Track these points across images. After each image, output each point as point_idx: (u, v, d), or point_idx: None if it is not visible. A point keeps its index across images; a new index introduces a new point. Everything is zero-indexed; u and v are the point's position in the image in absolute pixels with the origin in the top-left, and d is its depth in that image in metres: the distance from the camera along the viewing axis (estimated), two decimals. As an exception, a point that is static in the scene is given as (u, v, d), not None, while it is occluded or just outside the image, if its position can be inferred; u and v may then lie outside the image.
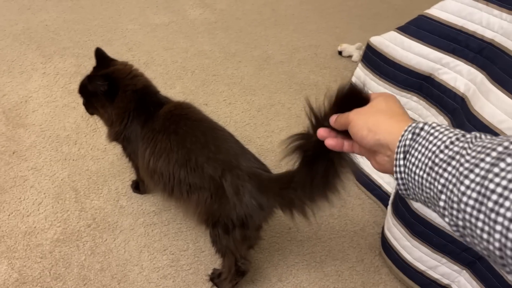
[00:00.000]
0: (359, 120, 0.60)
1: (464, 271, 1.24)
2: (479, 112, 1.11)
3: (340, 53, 2.38)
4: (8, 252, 1.27)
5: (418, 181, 0.51)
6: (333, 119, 0.67)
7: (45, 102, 1.77)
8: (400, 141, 0.53)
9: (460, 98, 1.24)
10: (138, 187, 1.48)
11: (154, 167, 1.18)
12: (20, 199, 1.41)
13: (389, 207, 1.44)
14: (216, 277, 1.28)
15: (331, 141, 0.68)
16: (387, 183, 1.58)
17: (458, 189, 0.44)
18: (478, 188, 0.42)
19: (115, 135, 1.28)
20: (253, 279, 1.32)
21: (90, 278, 1.25)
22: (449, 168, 0.46)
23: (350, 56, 2.37)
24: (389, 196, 1.54)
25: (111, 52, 2.06)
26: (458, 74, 1.26)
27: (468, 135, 0.48)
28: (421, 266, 1.30)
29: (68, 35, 2.16)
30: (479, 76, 1.18)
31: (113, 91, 1.20)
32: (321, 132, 0.70)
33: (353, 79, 1.61)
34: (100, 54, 1.27)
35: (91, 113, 1.31)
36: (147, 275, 1.28)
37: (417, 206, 1.27)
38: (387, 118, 0.58)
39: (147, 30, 2.31)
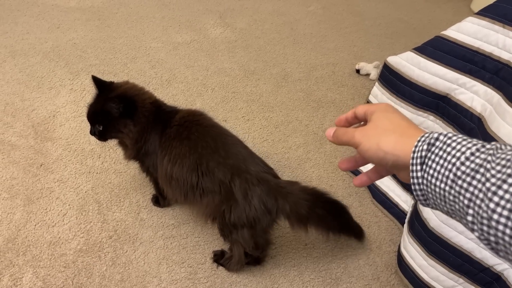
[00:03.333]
0: (369, 142, 0.58)
1: (482, 292, 1.23)
2: (496, 132, 1.12)
3: (357, 71, 2.41)
4: (33, 261, 1.32)
5: (439, 193, 0.50)
6: (330, 133, 0.64)
7: (72, 117, 1.84)
8: (414, 152, 0.52)
9: (476, 118, 1.25)
10: (158, 201, 1.53)
11: (170, 172, 1.24)
12: (46, 210, 1.47)
13: (406, 225, 1.45)
14: (222, 259, 1.37)
15: (344, 165, 0.66)
16: (404, 201, 1.58)
17: (487, 206, 0.44)
18: (509, 205, 0.42)
19: (136, 152, 1.32)
20: (269, 294, 1.34)
21: (111, 288, 1.29)
22: (474, 182, 0.46)
23: (367, 75, 2.39)
24: (406, 214, 1.54)
25: (135, 69, 2.16)
26: (474, 94, 1.27)
27: (488, 145, 0.47)
28: (437, 286, 1.30)
29: (94, 53, 2.25)
30: (496, 97, 1.20)
31: (129, 110, 1.24)
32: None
33: (370, 98, 1.63)
34: (97, 81, 1.27)
35: (105, 140, 1.31)
36: (165, 287, 1.31)
37: (434, 225, 1.27)
38: (399, 137, 0.56)
39: (170, 48, 2.39)
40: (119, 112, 1.22)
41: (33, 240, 1.38)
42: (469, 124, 1.28)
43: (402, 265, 1.40)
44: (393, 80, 1.50)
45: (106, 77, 2.07)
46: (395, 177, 1.60)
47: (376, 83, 1.60)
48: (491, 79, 1.23)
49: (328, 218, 1.24)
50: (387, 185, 1.65)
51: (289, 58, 2.47)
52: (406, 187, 1.55)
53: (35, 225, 1.42)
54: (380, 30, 2.89)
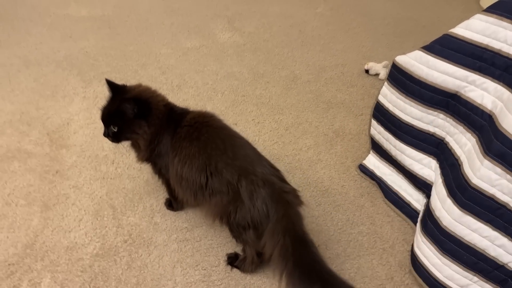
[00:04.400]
0: None
1: (497, 290, 1.22)
2: (507, 129, 1.11)
3: (367, 71, 2.41)
4: (51, 266, 1.35)
5: None
6: None
7: (85, 124, 1.88)
8: None
9: (487, 115, 1.25)
10: (171, 204, 1.55)
11: (181, 172, 1.27)
12: (62, 216, 1.50)
13: (418, 224, 1.44)
14: (236, 261, 1.39)
15: None
16: (416, 200, 1.58)
17: None
18: None
19: (149, 153, 1.35)
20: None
21: (127, 291, 1.31)
22: None
23: (377, 74, 2.39)
24: (418, 214, 1.54)
25: (146, 75, 2.19)
26: (485, 92, 1.27)
27: None
28: (452, 285, 1.29)
29: (106, 61, 2.29)
30: (506, 94, 1.19)
31: (144, 112, 1.27)
32: None
33: (380, 98, 1.63)
34: (111, 84, 1.30)
35: (119, 141, 1.34)
36: (180, 290, 1.33)
37: (446, 224, 1.27)
38: None
39: (179, 54, 2.41)
40: (133, 113, 1.25)
41: (51, 246, 1.41)
42: (480, 121, 1.27)
43: (416, 264, 1.40)
44: (402, 80, 1.50)
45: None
46: (407, 176, 1.60)
47: (385, 83, 1.60)
48: (501, 75, 1.23)
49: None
50: (399, 184, 1.65)
51: (297, 60, 2.48)
52: (418, 186, 1.54)
53: (52, 230, 1.45)
54: (389, 29, 2.88)
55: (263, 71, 2.35)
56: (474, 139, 1.27)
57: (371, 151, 1.79)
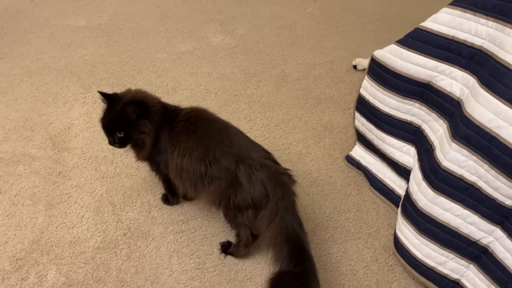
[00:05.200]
0: None
1: (472, 265, 1.30)
2: (470, 113, 1.20)
3: (354, 67, 2.49)
4: (56, 259, 1.45)
5: None
6: None
7: (85, 127, 1.98)
8: None
9: (456, 102, 1.33)
10: (167, 199, 1.64)
11: (181, 165, 1.36)
12: (65, 213, 1.60)
13: (399, 208, 1.53)
14: (229, 247, 1.48)
15: None
16: (399, 186, 1.66)
17: None
18: None
19: (150, 151, 1.43)
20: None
21: (127, 280, 1.41)
22: None
23: (364, 70, 2.47)
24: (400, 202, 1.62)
25: (142, 79, 2.29)
26: (453, 80, 1.35)
27: None
28: (430, 263, 1.37)
29: (104, 67, 2.39)
30: (471, 81, 1.27)
31: (144, 112, 1.36)
32: None
33: (361, 91, 1.72)
34: (104, 95, 1.36)
35: (126, 145, 1.41)
36: (177, 277, 1.42)
37: (423, 205, 1.35)
38: None
39: (174, 58, 2.52)
40: (135, 114, 1.33)
41: (55, 241, 1.51)
42: (450, 108, 1.35)
43: (398, 246, 1.48)
44: (380, 73, 1.58)
45: (116, 89, 2.21)
46: (389, 164, 1.68)
47: (366, 77, 1.69)
48: (467, 64, 1.31)
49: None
50: (383, 172, 1.73)
51: (288, 59, 2.57)
52: (400, 172, 1.62)
53: (57, 227, 1.55)
54: (377, 26, 2.97)
55: (254, 71, 2.45)
56: (446, 125, 1.35)
57: (357, 143, 1.87)
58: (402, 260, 1.47)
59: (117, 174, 1.77)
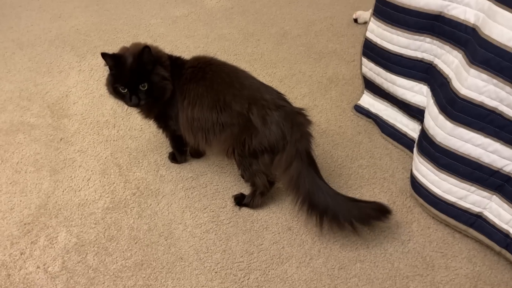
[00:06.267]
0: None
1: (494, 196, 1.26)
2: (489, 35, 1.14)
3: (355, 20, 2.42)
4: (65, 222, 1.41)
5: None
6: None
7: (84, 94, 1.92)
8: None
9: (471, 29, 1.27)
10: (175, 157, 1.59)
11: (191, 115, 1.31)
12: (71, 177, 1.55)
13: (415, 148, 1.48)
14: (243, 199, 1.44)
15: None
16: (412, 130, 1.61)
17: None
18: None
19: (164, 104, 1.35)
20: (289, 227, 1.40)
21: (140, 237, 1.37)
22: None
23: (366, 23, 2.39)
24: (415, 142, 1.58)
25: (138, 44, 2.21)
26: (467, 7, 1.29)
27: None
28: (451, 198, 1.34)
29: (97, 36, 2.31)
30: (487, 4, 1.21)
31: (156, 60, 1.29)
32: None
33: (367, 34, 1.65)
34: (109, 55, 1.26)
35: (151, 98, 1.28)
36: (191, 231, 1.38)
37: (441, 140, 1.30)
38: None
39: (169, 23, 2.44)
40: (152, 61, 1.26)
41: (63, 204, 1.46)
42: (465, 36, 1.29)
43: (416, 185, 1.44)
44: (387, 11, 1.52)
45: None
46: (400, 107, 1.63)
47: (372, 18, 1.62)
48: (480, -13, 1.24)
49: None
50: (394, 117, 1.68)
51: (286, 17, 2.49)
52: (412, 114, 1.57)
53: (63, 191, 1.51)
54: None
55: (252, 30, 2.37)
56: (461, 55, 1.30)
57: (364, 91, 1.82)
58: (420, 200, 1.43)
59: (121, 137, 1.72)
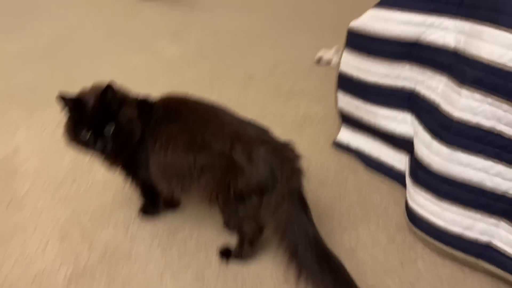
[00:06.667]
0: None
1: (502, 222, 1.19)
2: (477, 54, 1.11)
3: (319, 60, 2.42)
4: (18, 301, 1.16)
5: None
6: None
7: (36, 150, 1.71)
8: None
9: (452, 53, 1.25)
10: (147, 210, 1.41)
11: (164, 160, 1.15)
12: (23, 246, 1.31)
13: (408, 179, 1.40)
14: (230, 252, 1.27)
15: None
16: (398, 161, 1.54)
17: None
18: None
19: (131, 149, 1.20)
20: (286, 278, 1.23)
21: (113, 310, 1.14)
22: None
23: (329, 62, 2.40)
24: (403, 174, 1.50)
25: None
26: (445, 31, 1.27)
27: None
28: (456, 229, 1.24)
29: (49, 89, 2.13)
30: (467, 25, 1.20)
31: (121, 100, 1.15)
32: None
33: (342, 67, 1.61)
34: (67, 99, 1.11)
35: (118, 143, 1.13)
36: (174, 296, 1.18)
37: (438, 167, 1.23)
38: None
39: (128, 71, 2.31)
40: (118, 100, 1.12)
41: (15, 280, 1.21)
42: (446, 60, 1.27)
43: (414, 219, 1.34)
44: (360, 42, 1.49)
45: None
46: (384, 138, 1.57)
47: (344, 52, 1.59)
48: (458, 10, 1.24)
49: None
50: (378, 150, 1.61)
51: (250, 60, 2.46)
52: (397, 144, 1.51)
53: (14, 263, 1.26)
54: (333, 19, 2.95)
55: (217, 74, 2.30)
56: (445, 78, 1.26)
57: (342, 126, 1.75)
58: (422, 234, 1.33)
59: (82, 193, 1.51)
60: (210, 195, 1.16)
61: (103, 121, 1.10)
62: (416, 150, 1.34)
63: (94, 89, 1.16)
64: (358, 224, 1.42)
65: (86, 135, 1.11)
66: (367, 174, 1.62)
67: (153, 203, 1.38)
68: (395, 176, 1.56)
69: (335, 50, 2.39)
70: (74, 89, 2.15)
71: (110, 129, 1.11)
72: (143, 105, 1.22)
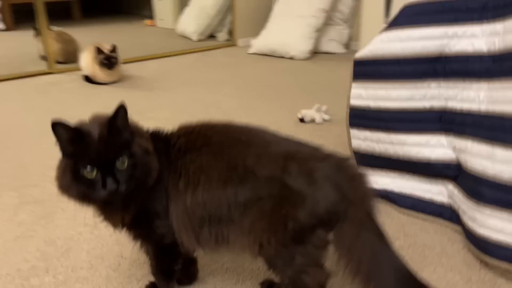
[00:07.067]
0: None
1: None
2: (494, 174, 1.06)
3: (301, 120, 2.31)
4: None
5: None
6: None
7: (-11, 241, 1.31)
8: None
9: (487, 57, 1.17)
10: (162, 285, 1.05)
11: (193, 201, 0.88)
12: None
13: (466, 203, 1.21)
14: None
15: None
16: (438, 193, 1.36)
17: None
18: None
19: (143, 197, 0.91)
20: None
21: None
22: None
23: (312, 121, 2.30)
24: (447, 207, 1.32)
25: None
26: (472, 38, 1.21)
27: None
28: (548, 248, 1.04)
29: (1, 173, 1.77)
30: (498, 26, 1.14)
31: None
32: None
33: (353, 102, 1.49)
34: (67, 127, 0.82)
35: (131, 185, 0.85)
36: None
37: (509, 176, 1.06)
38: None
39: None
40: (130, 127, 0.87)
41: None
42: (482, 66, 1.18)
43: (490, 248, 1.12)
44: (373, 70, 1.40)
45: (22, 191, 1.61)
46: (416, 171, 1.39)
47: (353, 85, 1.48)
48: (481, 15, 1.19)
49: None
50: (410, 186, 1.43)
51: (229, 127, 2.28)
52: (435, 173, 1.34)
53: None
54: (308, 85, 2.93)
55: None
56: (486, 83, 1.16)
57: (359, 169, 1.57)
58: (504, 264, 1.10)
59: (61, 283, 1.13)
60: (258, 241, 0.88)
61: (114, 154, 0.83)
62: (472, 166, 1.17)
63: (95, 118, 0.90)
64: (421, 267, 1.17)
65: (92, 173, 0.81)
66: (403, 215, 1.41)
67: (169, 275, 1.03)
68: (437, 211, 1.36)
69: (316, 108, 2.31)
70: (29, 171, 1.78)
71: (124, 162, 0.83)
72: (157, 137, 0.96)
